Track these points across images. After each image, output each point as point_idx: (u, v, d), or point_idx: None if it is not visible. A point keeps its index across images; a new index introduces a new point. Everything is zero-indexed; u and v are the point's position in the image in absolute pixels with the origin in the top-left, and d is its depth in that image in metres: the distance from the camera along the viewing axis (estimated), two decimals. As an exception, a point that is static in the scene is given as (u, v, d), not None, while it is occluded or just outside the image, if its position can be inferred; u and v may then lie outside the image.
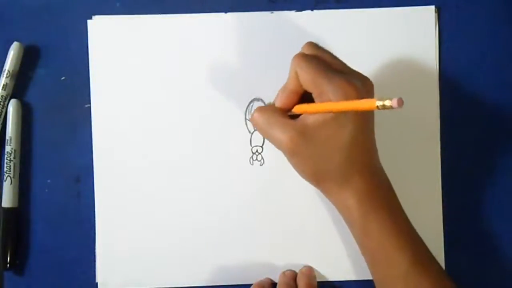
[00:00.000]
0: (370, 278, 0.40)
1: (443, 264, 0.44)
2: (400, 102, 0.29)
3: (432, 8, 0.45)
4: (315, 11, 0.46)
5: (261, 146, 0.45)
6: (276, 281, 0.44)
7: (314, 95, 0.36)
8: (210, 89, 0.45)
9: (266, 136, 0.38)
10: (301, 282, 0.43)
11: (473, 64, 0.46)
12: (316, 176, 0.37)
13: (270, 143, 0.45)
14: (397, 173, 0.43)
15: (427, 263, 0.37)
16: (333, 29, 0.45)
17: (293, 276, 0.44)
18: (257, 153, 0.45)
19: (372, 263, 0.38)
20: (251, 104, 0.45)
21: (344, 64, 0.37)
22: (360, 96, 0.34)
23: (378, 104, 0.29)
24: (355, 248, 0.39)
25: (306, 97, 0.37)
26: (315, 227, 0.45)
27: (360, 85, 0.35)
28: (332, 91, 0.34)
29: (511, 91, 0.46)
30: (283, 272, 0.44)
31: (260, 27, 0.45)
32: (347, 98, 0.33)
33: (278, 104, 0.38)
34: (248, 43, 0.45)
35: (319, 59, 0.36)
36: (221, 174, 0.45)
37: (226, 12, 0.46)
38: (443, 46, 0.46)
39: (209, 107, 0.45)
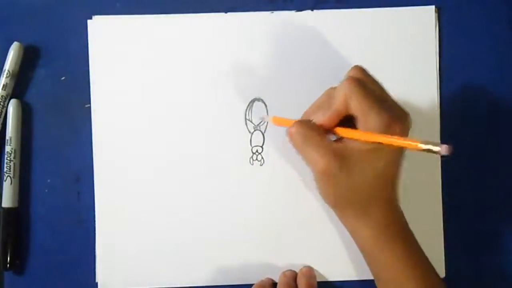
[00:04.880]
0: (370, 278, 0.40)
1: (443, 264, 0.44)
2: (450, 150, 0.30)
3: (432, 8, 0.45)
4: (315, 11, 0.46)
5: (261, 146, 0.45)
6: (277, 281, 0.44)
7: (359, 122, 0.36)
8: (210, 89, 0.45)
9: (301, 152, 0.37)
10: (301, 282, 0.43)
11: (473, 64, 0.46)
12: (339, 201, 0.38)
13: (270, 144, 0.45)
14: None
15: None
16: (333, 29, 0.45)
17: (293, 276, 0.44)
18: (257, 153, 0.45)
19: None
20: (251, 104, 0.45)
21: (388, 94, 0.38)
22: (403, 133, 0.35)
23: (423, 147, 0.32)
24: (355, 248, 0.39)
25: (345, 119, 0.37)
26: (315, 227, 0.45)
27: (403, 122, 0.36)
28: (379, 126, 0.35)
29: (511, 91, 0.46)
30: (283, 272, 0.44)
31: (260, 27, 0.45)
32: (391, 133, 0.34)
33: (320, 122, 0.37)
34: (248, 43, 0.45)
35: (369, 87, 0.36)
36: (221, 174, 0.45)
37: (226, 12, 0.46)
38: (443, 46, 0.46)
39: (209, 107, 0.45)
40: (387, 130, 0.35)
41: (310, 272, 0.44)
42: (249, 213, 0.45)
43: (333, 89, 0.37)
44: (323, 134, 0.37)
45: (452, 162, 0.45)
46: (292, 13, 0.46)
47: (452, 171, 0.45)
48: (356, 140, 0.36)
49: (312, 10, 0.46)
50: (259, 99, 0.45)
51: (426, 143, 0.32)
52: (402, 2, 0.45)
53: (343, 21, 0.45)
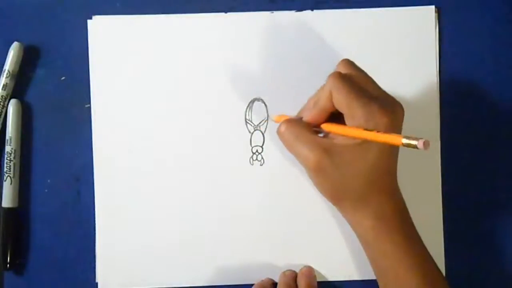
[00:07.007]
0: (370, 278, 0.40)
1: (443, 264, 0.44)
2: (426, 144, 0.30)
3: (432, 8, 0.46)
4: (315, 11, 0.46)
5: (261, 146, 0.45)
6: (277, 281, 0.44)
7: (345, 117, 0.36)
8: (210, 89, 0.45)
9: (291, 150, 0.38)
10: (301, 282, 0.43)
11: (473, 64, 0.46)
12: (336, 195, 0.38)
13: (270, 144, 0.45)
14: (397, 173, 0.43)
15: (436, 284, 0.38)
16: (333, 29, 0.45)
17: (293, 276, 0.44)
18: (257, 153, 0.45)
19: (383, 282, 0.39)
20: (251, 104, 0.45)
21: (377, 86, 0.37)
22: (391, 125, 0.35)
23: (404, 142, 0.31)
24: (355, 248, 0.39)
25: (334, 114, 0.37)
26: (315, 227, 0.45)
27: (392, 112, 0.35)
28: (365, 118, 0.35)
29: (511, 91, 0.46)
30: (283, 272, 0.44)
31: (260, 27, 0.45)
32: (377, 126, 0.34)
33: (307, 119, 0.38)
34: (248, 43, 0.45)
35: (354, 81, 0.36)
36: (221, 174, 0.45)
37: (226, 12, 0.46)
38: (443, 46, 0.46)
39: (209, 107, 0.45)
40: (373, 122, 0.34)
41: (310, 272, 0.44)
42: (249, 213, 0.45)
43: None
44: (311, 130, 0.37)
45: (452, 161, 0.45)
46: (292, 13, 0.46)
47: (452, 171, 0.45)
48: (342, 135, 0.36)
49: (312, 10, 0.46)
50: (259, 99, 0.45)
51: (407, 138, 0.31)
52: (402, 2, 0.45)
53: (343, 21, 0.45)
